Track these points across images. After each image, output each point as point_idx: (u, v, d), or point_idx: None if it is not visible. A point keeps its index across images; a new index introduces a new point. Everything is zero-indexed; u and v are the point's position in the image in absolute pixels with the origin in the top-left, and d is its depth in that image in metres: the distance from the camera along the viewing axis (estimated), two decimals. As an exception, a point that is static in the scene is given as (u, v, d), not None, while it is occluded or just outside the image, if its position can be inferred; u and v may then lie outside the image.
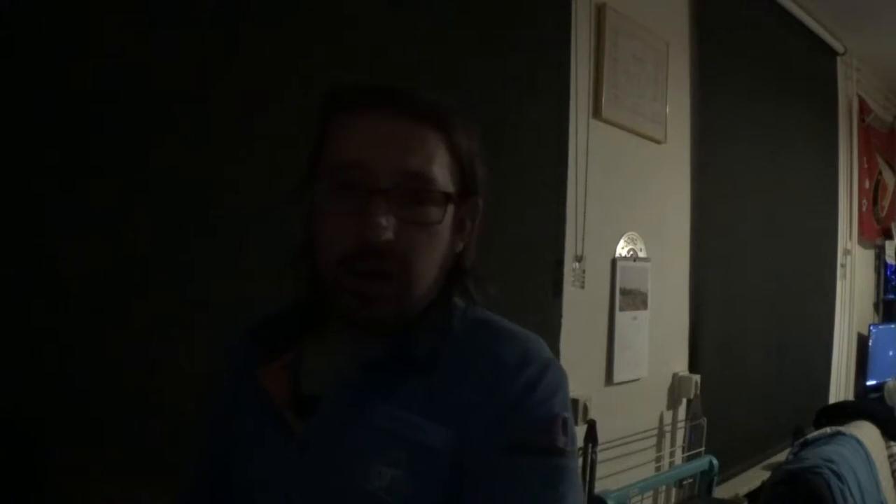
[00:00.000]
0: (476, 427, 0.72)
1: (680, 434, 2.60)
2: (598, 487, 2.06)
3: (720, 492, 2.62)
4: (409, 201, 0.72)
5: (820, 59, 3.73)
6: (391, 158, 0.72)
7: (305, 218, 0.78)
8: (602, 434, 2.04)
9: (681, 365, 2.67)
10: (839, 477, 2.36)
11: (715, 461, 2.55)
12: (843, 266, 3.99)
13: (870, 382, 4.02)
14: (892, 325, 4.36)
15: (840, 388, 3.98)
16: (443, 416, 0.73)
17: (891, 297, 4.57)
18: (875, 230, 4.42)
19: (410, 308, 0.76)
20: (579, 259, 2.11)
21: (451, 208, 0.76)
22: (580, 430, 1.98)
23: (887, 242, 4.52)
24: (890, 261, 4.54)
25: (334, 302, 0.76)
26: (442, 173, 0.74)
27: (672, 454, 2.57)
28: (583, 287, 2.13)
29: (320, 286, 0.77)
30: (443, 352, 0.76)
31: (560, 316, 2.03)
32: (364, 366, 0.75)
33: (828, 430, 2.76)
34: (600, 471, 2.07)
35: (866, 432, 2.87)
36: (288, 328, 0.83)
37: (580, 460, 1.89)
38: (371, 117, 0.73)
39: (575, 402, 2.00)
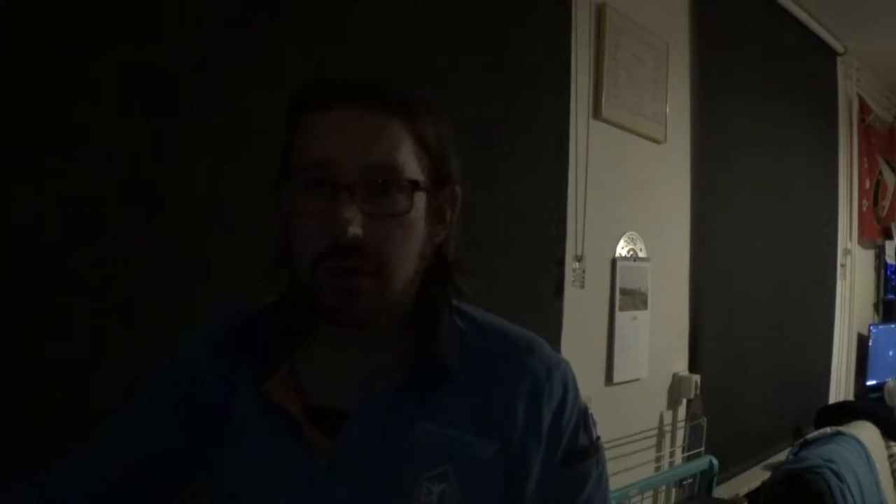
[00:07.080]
0: (523, 440, 0.76)
1: (680, 434, 2.60)
2: (598, 487, 2.06)
3: (720, 492, 2.62)
4: (375, 193, 0.70)
5: (820, 59, 3.73)
6: (354, 152, 0.70)
7: (281, 221, 0.75)
8: (602, 434, 2.02)
9: (681, 365, 2.67)
10: (839, 477, 2.36)
11: (715, 461, 2.55)
12: (843, 266, 3.99)
13: (870, 382, 4.02)
14: (892, 325, 4.36)
15: (840, 388, 3.98)
16: (484, 429, 0.75)
17: (891, 297, 4.57)
18: (875, 230, 4.42)
19: (392, 303, 0.73)
20: (579, 259, 2.11)
21: (421, 196, 0.73)
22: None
23: (887, 242, 4.52)
24: (890, 261, 4.54)
25: (316, 303, 0.74)
26: (408, 161, 0.72)
27: (672, 454, 2.57)
28: (583, 287, 2.13)
29: (300, 289, 0.75)
30: (462, 358, 0.76)
31: (561, 316, 2.03)
32: (393, 379, 0.74)
33: (828, 430, 2.76)
34: (600, 471, 2.07)
35: (866, 432, 2.87)
36: (271, 336, 0.78)
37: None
38: (334, 113, 0.72)
39: (575, 402, 1.99)
